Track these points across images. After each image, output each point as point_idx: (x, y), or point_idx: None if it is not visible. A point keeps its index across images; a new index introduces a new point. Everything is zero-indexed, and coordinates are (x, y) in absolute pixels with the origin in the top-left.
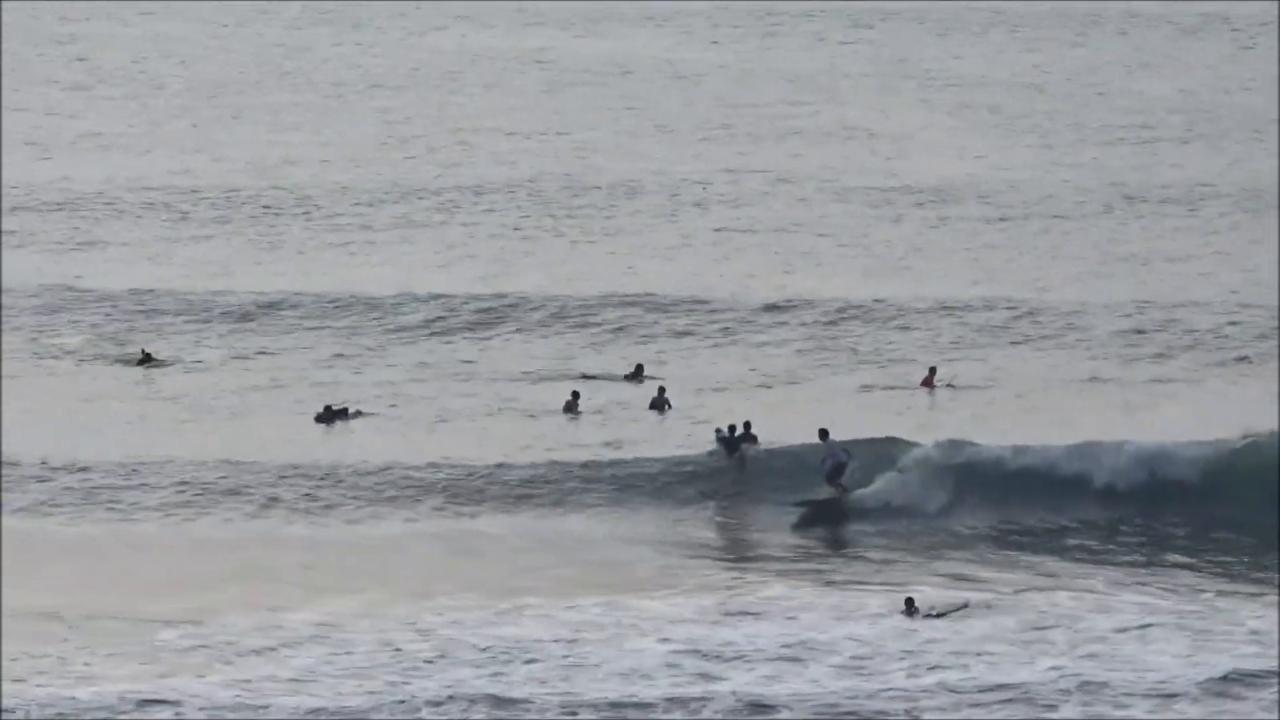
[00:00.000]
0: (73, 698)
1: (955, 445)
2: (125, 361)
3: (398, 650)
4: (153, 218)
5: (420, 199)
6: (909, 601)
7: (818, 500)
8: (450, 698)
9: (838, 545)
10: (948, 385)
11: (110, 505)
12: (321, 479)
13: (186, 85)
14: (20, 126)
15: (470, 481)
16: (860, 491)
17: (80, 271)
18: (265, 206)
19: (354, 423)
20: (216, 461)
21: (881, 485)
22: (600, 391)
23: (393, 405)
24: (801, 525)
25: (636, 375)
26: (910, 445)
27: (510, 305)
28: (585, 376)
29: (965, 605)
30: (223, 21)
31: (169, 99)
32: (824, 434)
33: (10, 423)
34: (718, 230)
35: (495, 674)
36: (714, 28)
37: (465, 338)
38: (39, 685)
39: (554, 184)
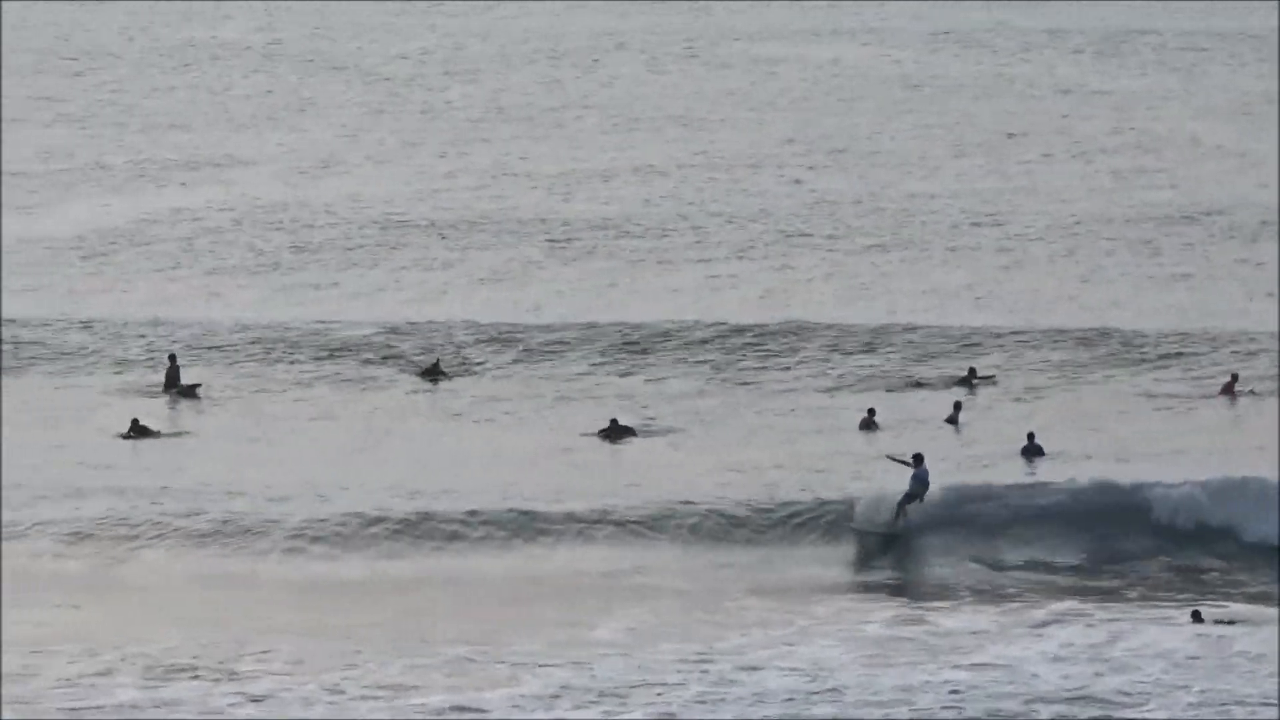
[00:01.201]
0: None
1: None
2: (421, 375)
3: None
4: (440, 240)
5: (711, 224)
6: (1195, 614)
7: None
8: None
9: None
10: (1249, 392)
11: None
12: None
13: (471, 104)
14: (316, 148)
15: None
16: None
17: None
18: (555, 235)
19: (637, 440)
20: (503, 485)
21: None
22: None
23: (680, 427)
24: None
25: (967, 380)
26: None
27: (804, 328)
28: (918, 384)
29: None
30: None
31: (462, 121)
32: (919, 459)
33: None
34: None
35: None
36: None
37: (748, 360)
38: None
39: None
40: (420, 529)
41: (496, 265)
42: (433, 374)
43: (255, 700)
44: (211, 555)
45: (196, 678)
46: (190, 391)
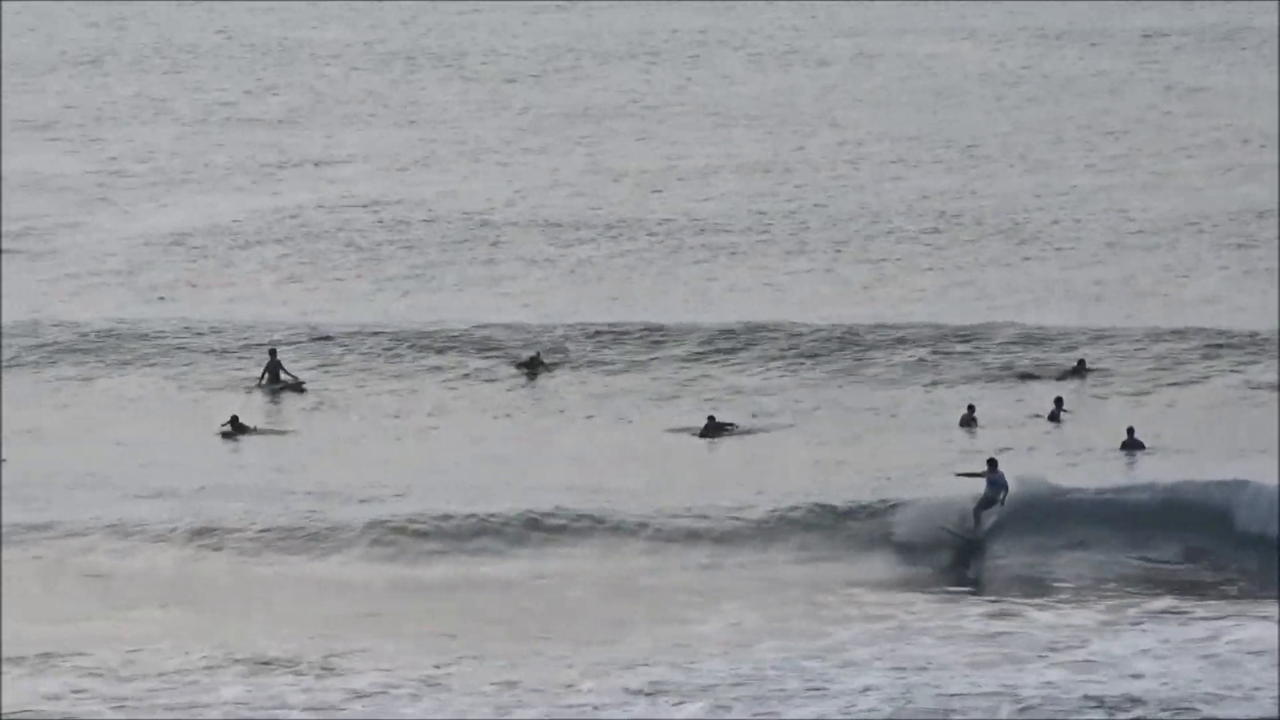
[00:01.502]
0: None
1: None
2: (520, 367)
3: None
4: (543, 240)
5: (812, 220)
6: None
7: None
8: None
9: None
10: None
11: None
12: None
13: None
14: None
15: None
16: None
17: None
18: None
19: (735, 437)
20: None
21: None
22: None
23: (777, 424)
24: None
25: (1078, 370)
26: None
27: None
28: (1026, 375)
29: None
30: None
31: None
32: (993, 464)
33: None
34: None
35: None
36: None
37: (847, 357)
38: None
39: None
40: (516, 527)
41: (597, 262)
42: (532, 367)
43: (362, 696)
44: (308, 552)
45: (299, 674)
46: (296, 387)
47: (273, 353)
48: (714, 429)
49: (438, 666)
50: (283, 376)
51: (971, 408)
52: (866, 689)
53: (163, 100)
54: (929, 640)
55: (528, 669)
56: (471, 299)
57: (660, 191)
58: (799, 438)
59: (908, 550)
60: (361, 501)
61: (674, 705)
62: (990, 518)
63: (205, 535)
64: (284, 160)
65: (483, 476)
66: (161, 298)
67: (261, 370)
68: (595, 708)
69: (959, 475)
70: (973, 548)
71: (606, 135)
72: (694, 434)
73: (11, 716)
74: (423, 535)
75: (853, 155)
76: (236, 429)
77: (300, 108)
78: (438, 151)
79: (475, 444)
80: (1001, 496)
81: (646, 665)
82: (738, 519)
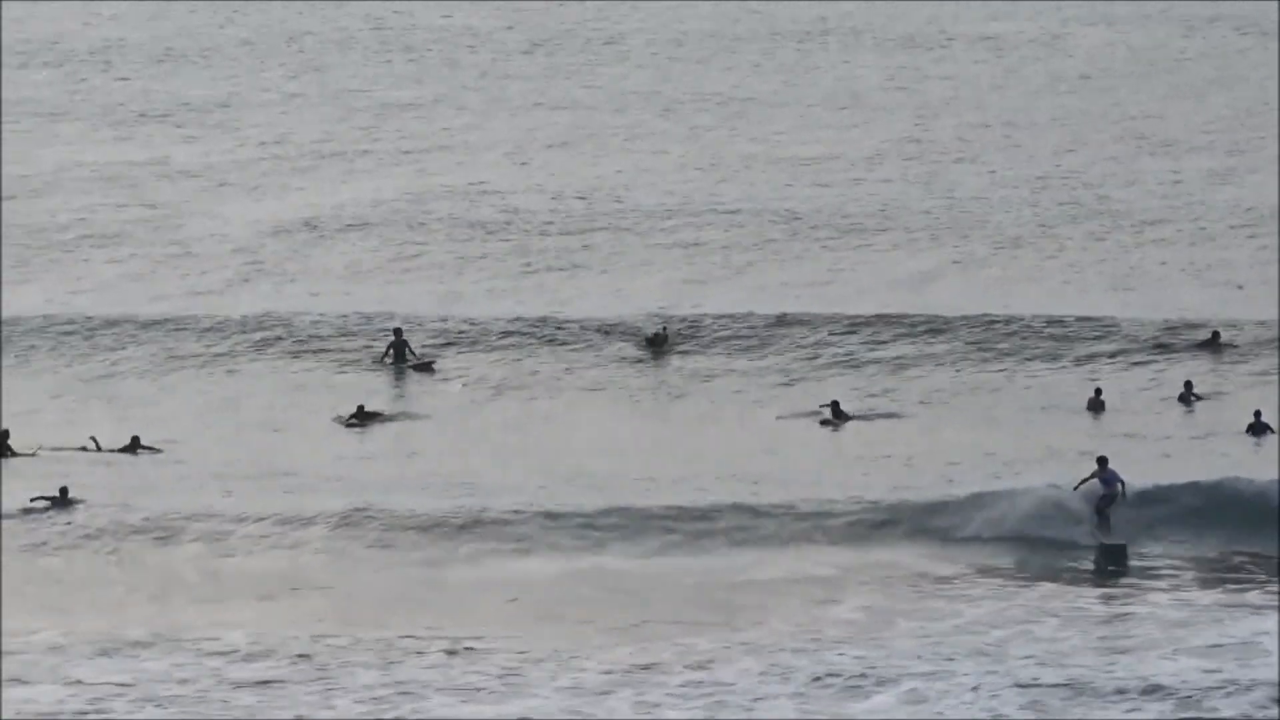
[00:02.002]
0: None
1: None
2: (647, 342)
3: None
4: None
5: (936, 208)
6: None
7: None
8: None
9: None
10: None
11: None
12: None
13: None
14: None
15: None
16: None
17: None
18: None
19: (859, 423)
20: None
21: None
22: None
23: (902, 411)
24: None
25: (1212, 341)
26: None
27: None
28: (1160, 346)
29: None
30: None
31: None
32: (1103, 462)
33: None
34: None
35: None
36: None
37: (973, 343)
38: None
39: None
40: (643, 517)
41: (727, 249)
42: (656, 344)
43: (500, 676)
44: (431, 537)
45: (424, 655)
46: (425, 367)
47: (398, 332)
48: (838, 414)
49: (573, 653)
50: (408, 356)
51: (1099, 391)
52: (997, 674)
53: (290, 89)
54: (1054, 623)
55: (664, 653)
56: (599, 284)
57: (788, 179)
58: (922, 424)
59: (1027, 538)
60: (492, 487)
61: (812, 686)
62: (1112, 514)
63: (326, 525)
64: (412, 147)
65: (605, 466)
66: (289, 284)
67: (386, 347)
68: (728, 685)
69: (1078, 488)
70: (1093, 535)
71: (731, 121)
72: (818, 419)
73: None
74: (549, 527)
75: (980, 142)
76: (361, 419)
77: (431, 94)
78: (567, 137)
79: (603, 432)
80: (1120, 490)
81: (783, 651)
82: (860, 505)
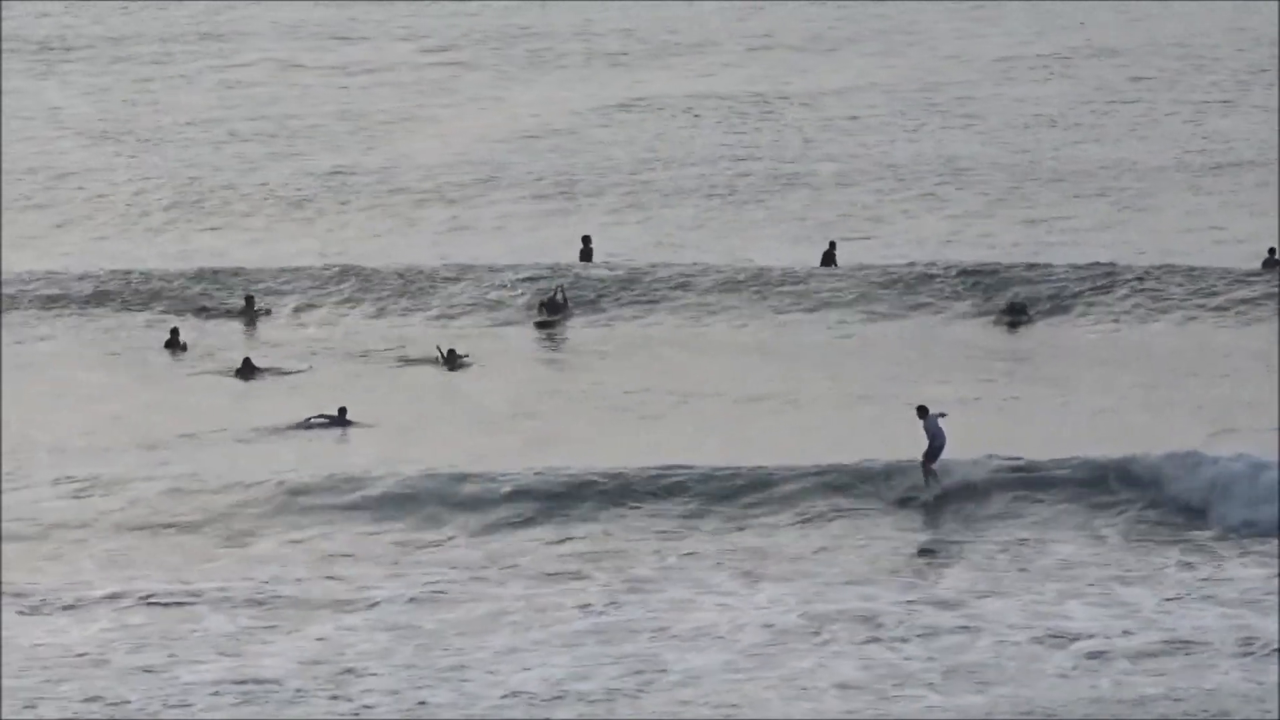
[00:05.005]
0: None
1: None
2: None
3: None
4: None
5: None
6: None
7: None
8: None
9: None
10: None
11: None
12: None
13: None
14: None
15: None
16: None
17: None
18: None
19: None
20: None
21: None
22: None
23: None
24: None
25: None
26: None
27: None
28: None
29: None
30: None
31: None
32: (923, 411)
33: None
34: None
35: None
36: None
37: (1137, 303)
38: None
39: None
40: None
41: (866, 207)
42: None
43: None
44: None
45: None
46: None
47: (586, 239)
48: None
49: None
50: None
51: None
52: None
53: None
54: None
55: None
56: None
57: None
58: (1058, 396)
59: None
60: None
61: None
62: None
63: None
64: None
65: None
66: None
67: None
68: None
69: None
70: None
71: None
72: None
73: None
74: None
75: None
76: (451, 361)
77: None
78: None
79: (685, 398)
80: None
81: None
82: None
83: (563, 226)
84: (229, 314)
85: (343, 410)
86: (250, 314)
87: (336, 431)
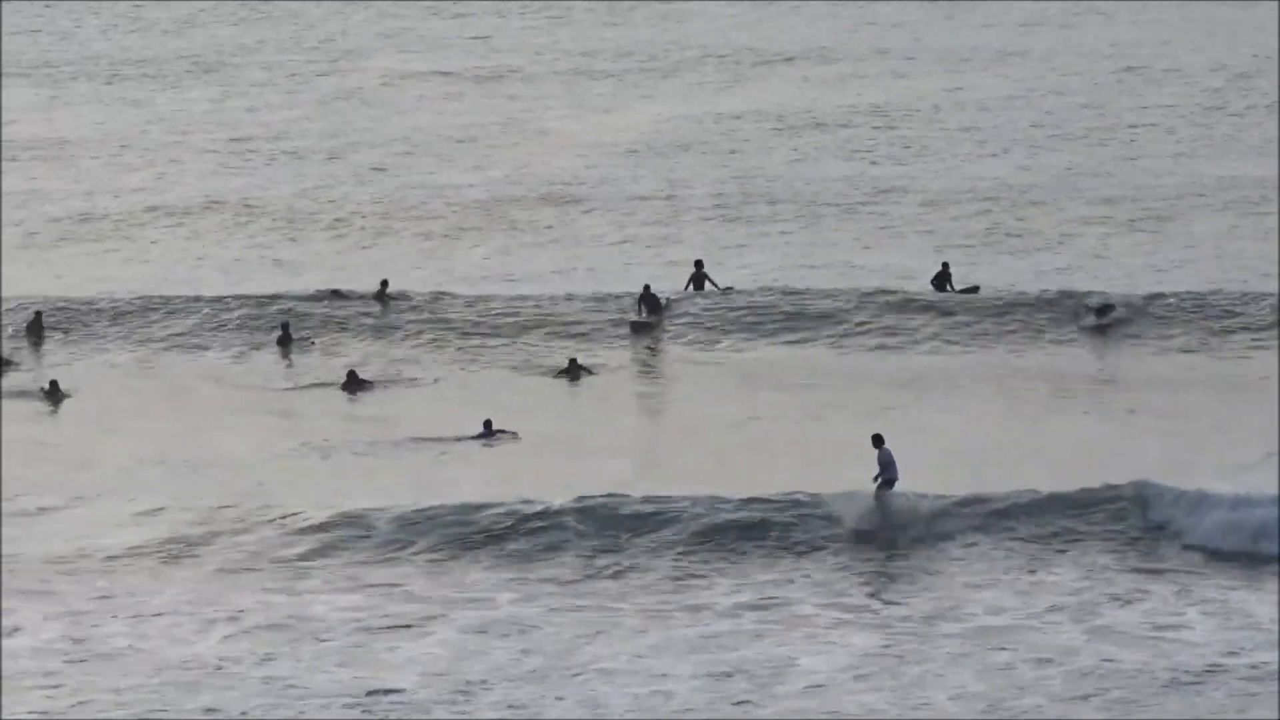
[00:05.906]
0: None
1: None
2: None
3: None
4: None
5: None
6: None
7: None
8: None
9: None
10: None
11: None
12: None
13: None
14: None
15: None
16: None
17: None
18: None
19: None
20: None
21: None
22: None
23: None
24: None
25: None
26: None
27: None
28: None
29: None
30: None
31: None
32: (879, 440)
33: None
34: None
35: None
36: None
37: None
38: None
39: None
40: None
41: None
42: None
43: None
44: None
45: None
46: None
47: (698, 264)
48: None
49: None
50: (708, 286)
51: None
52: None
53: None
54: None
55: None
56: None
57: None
58: (1130, 414)
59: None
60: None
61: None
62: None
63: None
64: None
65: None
66: (495, 262)
67: (687, 280)
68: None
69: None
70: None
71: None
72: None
73: None
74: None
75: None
76: (571, 373)
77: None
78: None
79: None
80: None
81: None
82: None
83: (677, 245)
84: (362, 299)
85: (488, 423)
86: (286, 344)
87: (477, 443)
